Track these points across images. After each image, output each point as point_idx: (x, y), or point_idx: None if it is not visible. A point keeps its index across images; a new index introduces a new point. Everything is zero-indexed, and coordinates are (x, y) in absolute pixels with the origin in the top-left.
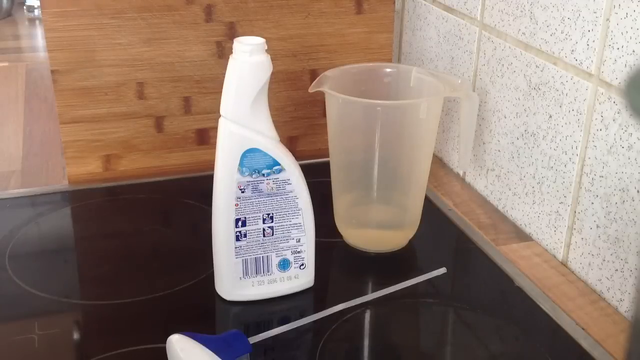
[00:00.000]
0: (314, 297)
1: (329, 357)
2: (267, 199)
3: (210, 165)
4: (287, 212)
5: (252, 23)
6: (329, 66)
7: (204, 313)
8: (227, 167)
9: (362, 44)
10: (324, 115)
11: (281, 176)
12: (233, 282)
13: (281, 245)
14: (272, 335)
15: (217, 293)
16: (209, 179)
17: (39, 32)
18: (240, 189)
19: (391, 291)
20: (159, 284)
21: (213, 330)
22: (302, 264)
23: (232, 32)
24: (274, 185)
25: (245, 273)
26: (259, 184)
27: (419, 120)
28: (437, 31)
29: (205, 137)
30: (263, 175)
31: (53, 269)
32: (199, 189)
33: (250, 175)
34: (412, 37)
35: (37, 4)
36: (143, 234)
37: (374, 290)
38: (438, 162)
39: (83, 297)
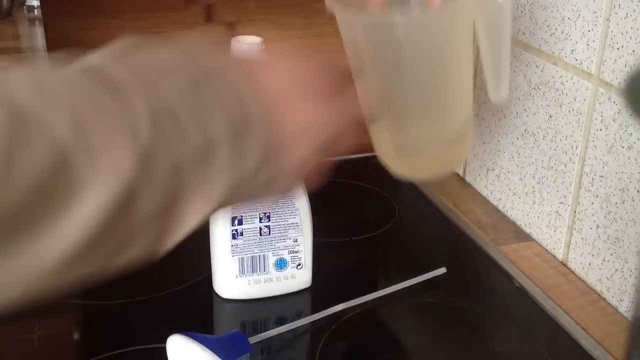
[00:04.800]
0: (314, 297)
1: (328, 357)
2: None
3: None
4: (284, 212)
5: (252, 23)
6: None
7: (204, 313)
8: None
9: None
10: None
11: None
12: (229, 280)
13: (278, 244)
14: (272, 335)
15: (216, 294)
16: None
17: (39, 32)
18: None
19: (391, 291)
20: (158, 284)
21: (213, 330)
22: (299, 264)
23: (232, 32)
24: None
25: (242, 271)
26: None
27: (453, 27)
28: None
29: None
30: None
31: None
32: None
33: None
34: None
35: (37, 4)
36: None
37: (374, 290)
38: None
39: (83, 297)
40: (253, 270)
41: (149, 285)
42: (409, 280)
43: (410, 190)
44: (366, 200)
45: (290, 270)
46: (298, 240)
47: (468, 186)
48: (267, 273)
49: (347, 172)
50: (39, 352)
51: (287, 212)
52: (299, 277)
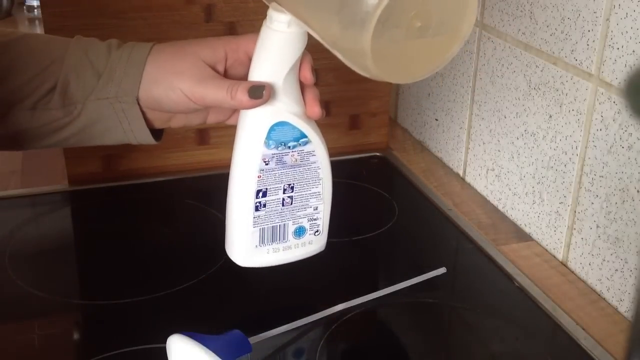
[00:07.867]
0: (314, 297)
1: (329, 357)
2: (290, 170)
3: (211, 165)
4: (308, 182)
5: (253, 23)
6: (329, 66)
7: (204, 313)
8: (252, 139)
9: None
10: (326, 115)
11: (306, 148)
12: (248, 250)
13: (299, 213)
14: (272, 335)
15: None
16: (209, 179)
17: (39, 32)
18: (265, 162)
19: (391, 291)
20: (159, 284)
21: (213, 330)
22: (317, 231)
23: (232, 32)
24: (299, 157)
25: (262, 241)
26: (284, 156)
27: None
28: None
29: (206, 137)
30: (289, 147)
31: (53, 269)
32: (199, 189)
33: (276, 147)
34: None
35: (37, 4)
36: (143, 234)
37: (374, 290)
38: (438, 162)
39: (83, 297)
40: (273, 240)
41: (149, 285)
42: (409, 280)
43: (410, 190)
44: (366, 200)
45: (308, 237)
46: (318, 208)
47: (468, 186)
48: (286, 241)
49: (347, 172)
50: (39, 352)
51: (311, 182)
52: (315, 243)
